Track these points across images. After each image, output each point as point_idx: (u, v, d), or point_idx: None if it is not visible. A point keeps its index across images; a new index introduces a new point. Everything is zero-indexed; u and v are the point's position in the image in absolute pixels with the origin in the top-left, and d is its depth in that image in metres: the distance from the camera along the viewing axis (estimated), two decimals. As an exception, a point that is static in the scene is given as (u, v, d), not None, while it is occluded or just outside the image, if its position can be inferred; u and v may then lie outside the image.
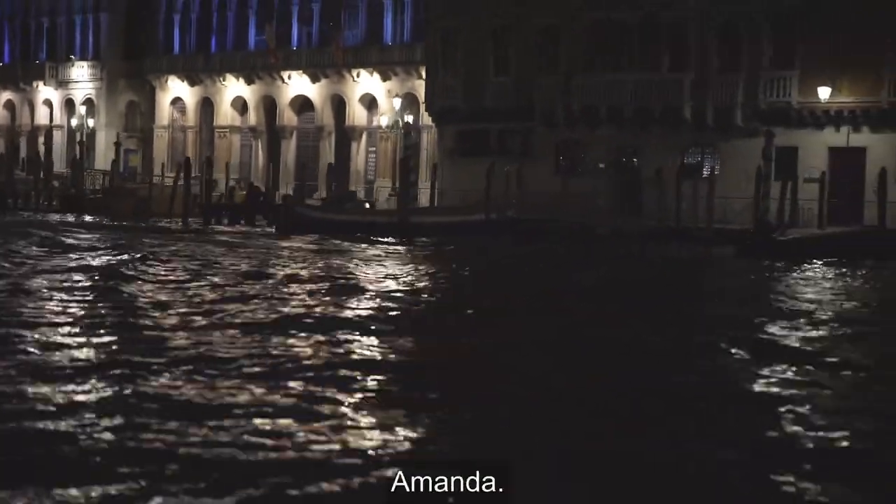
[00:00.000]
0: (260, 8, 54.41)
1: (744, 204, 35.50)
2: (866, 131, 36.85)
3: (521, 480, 6.51)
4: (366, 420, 8.92)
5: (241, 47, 55.36)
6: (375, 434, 8.49)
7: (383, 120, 48.27)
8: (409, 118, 46.83)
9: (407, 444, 8.30)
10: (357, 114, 51.70)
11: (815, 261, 29.43)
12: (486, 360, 12.28)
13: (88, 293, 16.00)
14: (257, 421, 8.64)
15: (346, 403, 9.37)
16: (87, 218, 41.38)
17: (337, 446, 8.02)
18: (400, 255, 28.55)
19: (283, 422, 8.60)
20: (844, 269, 27.62)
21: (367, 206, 41.54)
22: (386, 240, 33.19)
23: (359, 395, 9.75)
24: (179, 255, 24.07)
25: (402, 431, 8.64)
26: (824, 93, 36.13)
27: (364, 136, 51.98)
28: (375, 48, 50.62)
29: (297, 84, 53.30)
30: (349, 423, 8.80)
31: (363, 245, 30.83)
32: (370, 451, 7.91)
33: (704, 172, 39.34)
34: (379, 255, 27.65)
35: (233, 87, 55.52)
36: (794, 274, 26.46)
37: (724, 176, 38.39)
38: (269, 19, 52.97)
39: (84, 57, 59.75)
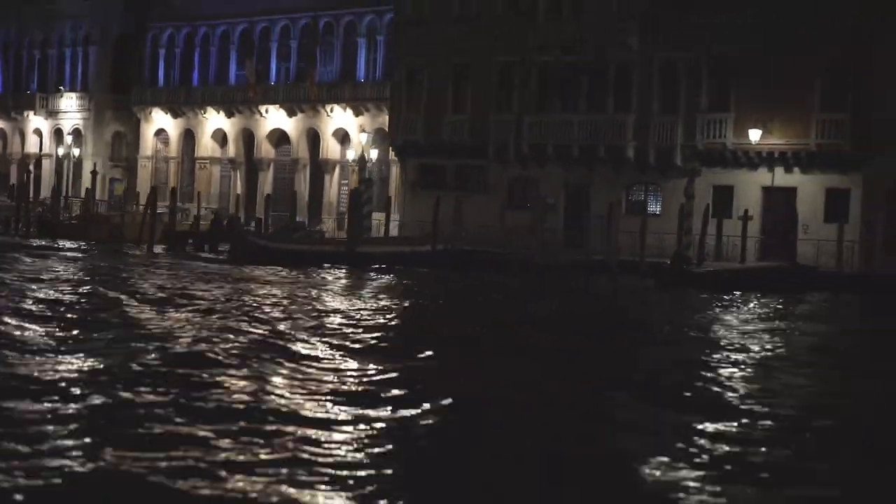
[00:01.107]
0: (241, 44, 57.04)
1: (694, 240, 37.63)
2: (797, 172, 39.12)
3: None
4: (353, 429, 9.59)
5: (222, 82, 57.98)
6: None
7: (349, 154, 50.75)
8: (376, 152, 49.29)
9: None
10: (331, 147, 54.16)
11: (734, 292, 31.57)
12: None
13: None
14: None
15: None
16: (67, 243, 43.72)
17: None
18: (339, 284, 30.75)
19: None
20: (753, 301, 29.70)
21: (318, 235, 43.71)
22: (332, 268, 35.43)
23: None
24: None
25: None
26: (755, 135, 38.44)
27: (337, 169, 54.39)
28: (349, 85, 53.13)
29: (274, 118, 55.84)
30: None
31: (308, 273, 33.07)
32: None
33: (648, 209, 41.73)
34: (321, 284, 29.83)
35: (213, 120, 58.10)
36: (705, 303, 28.55)
37: (665, 213, 40.74)
38: (249, 55, 55.54)
39: (73, 88, 62.50)
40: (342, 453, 8.82)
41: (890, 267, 34.85)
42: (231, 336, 15.02)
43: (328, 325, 17.80)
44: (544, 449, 9.54)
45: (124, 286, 22.86)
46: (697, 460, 9.28)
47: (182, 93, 58.68)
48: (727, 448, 9.78)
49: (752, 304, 28.10)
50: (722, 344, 18.61)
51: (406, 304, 24.40)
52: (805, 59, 38.10)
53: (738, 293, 31.30)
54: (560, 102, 43.38)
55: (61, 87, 62.51)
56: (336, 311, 20.50)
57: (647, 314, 26.21)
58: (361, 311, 20.89)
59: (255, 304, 20.96)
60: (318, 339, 15.87)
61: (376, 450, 8.94)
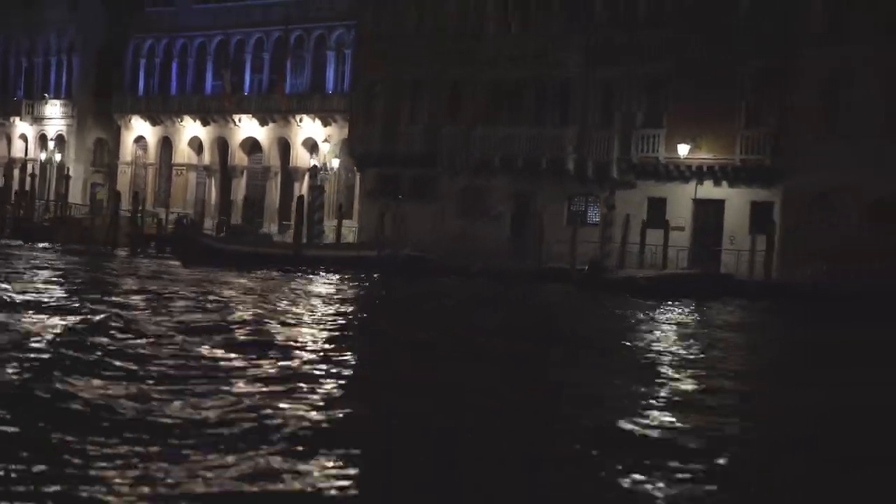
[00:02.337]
0: (217, 56, 59.93)
1: (616, 248, 40.36)
2: (725, 185, 41.73)
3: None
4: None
5: (198, 91, 60.87)
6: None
7: (314, 162, 53.53)
8: (337, 161, 52.12)
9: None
10: (300, 156, 56.94)
11: (647, 298, 34.10)
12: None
13: None
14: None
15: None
16: (40, 245, 46.67)
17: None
18: (272, 287, 33.36)
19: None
20: (661, 305, 32.15)
21: (266, 239, 46.37)
22: (278, 271, 38.11)
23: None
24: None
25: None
26: (683, 150, 41.11)
27: (306, 177, 57.16)
28: (318, 96, 55.90)
29: (247, 127, 58.66)
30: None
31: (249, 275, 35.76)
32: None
33: (589, 220, 44.40)
34: (256, 286, 32.47)
35: (190, 128, 60.97)
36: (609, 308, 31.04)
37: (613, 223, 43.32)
38: (224, 66, 58.43)
39: (57, 95, 65.46)
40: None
41: (807, 276, 37.33)
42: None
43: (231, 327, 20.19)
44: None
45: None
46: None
47: (160, 101, 61.56)
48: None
49: (662, 310, 30.39)
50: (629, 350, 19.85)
51: (341, 308, 26.19)
52: (731, 78, 40.76)
53: (656, 299, 33.83)
54: (506, 116, 46.09)
55: (46, 95, 65.49)
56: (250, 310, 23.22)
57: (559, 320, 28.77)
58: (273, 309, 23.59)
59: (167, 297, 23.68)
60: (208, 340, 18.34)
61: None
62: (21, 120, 66.67)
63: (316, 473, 8.39)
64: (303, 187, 57.14)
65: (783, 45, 39.61)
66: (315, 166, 49.77)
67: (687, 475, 9.24)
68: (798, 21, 39.36)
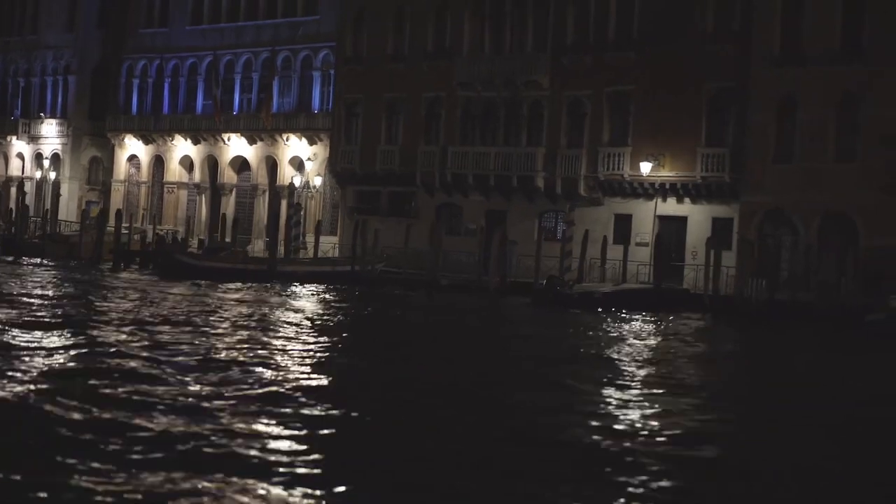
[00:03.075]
0: (207, 76, 61.95)
1: (576, 263, 42.05)
2: (687, 202, 43.46)
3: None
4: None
5: (189, 111, 62.91)
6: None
7: (296, 180, 55.39)
8: (320, 179, 54.03)
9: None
10: (287, 174, 58.77)
11: (600, 310, 35.83)
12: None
13: None
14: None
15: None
16: (27, 260, 48.61)
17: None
18: (246, 300, 35.22)
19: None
20: (611, 317, 33.87)
21: (242, 254, 48.10)
22: (251, 284, 40.02)
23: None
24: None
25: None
26: (646, 167, 42.87)
27: (293, 195, 58.99)
28: (303, 115, 57.82)
29: (236, 145, 60.64)
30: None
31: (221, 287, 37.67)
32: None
33: (558, 236, 46.05)
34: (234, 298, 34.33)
35: (181, 147, 63.00)
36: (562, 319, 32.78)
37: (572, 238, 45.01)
38: (215, 85, 60.45)
39: (53, 115, 67.65)
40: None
41: (760, 290, 38.93)
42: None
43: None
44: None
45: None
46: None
47: (152, 121, 63.61)
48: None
49: (610, 322, 32.08)
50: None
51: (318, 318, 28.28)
52: (691, 98, 42.56)
53: (613, 312, 35.58)
54: (479, 135, 47.94)
55: (42, 114, 67.67)
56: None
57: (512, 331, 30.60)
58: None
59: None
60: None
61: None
62: (18, 139, 68.85)
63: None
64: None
65: (741, 67, 41.35)
66: (292, 184, 51.66)
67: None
68: (754, 44, 41.07)
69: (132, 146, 65.13)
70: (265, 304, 30.68)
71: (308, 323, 25.71)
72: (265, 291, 36.88)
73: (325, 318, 27.97)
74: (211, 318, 24.44)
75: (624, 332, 29.12)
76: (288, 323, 25.18)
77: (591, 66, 45.10)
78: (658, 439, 13.02)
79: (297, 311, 29.53)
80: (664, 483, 10.83)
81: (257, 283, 40.73)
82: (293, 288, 39.55)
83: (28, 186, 68.25)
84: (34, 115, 68.25)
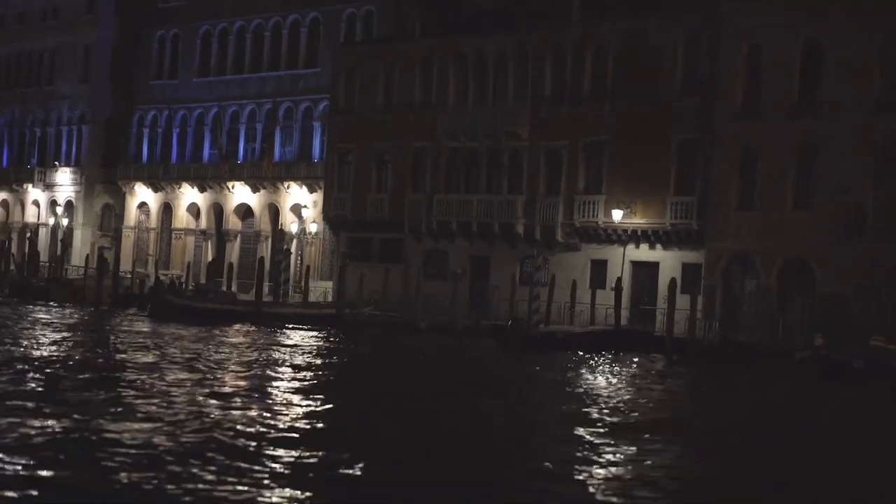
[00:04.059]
0: (214, 126, 65.08)
1: (544, 306, 44.35)
2: (659, 248, 45.77)
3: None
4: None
5: (196, 160, 66.03)
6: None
7: (293, 227, 58.15)
8: (315, 226, 56.77)
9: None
10: (288, 221, 61.66)
11: (565, 352, 38.13)
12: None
13: None
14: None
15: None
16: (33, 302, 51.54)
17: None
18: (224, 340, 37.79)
19: None
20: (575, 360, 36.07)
21: (230, 296, 50.76)
22: (237, 326, 42.62)
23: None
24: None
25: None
26: (617, 215, 45.26)
27: (295, 241, 61.86)
28: (304, 164, 60.72)
29: (240, 193, 63.59)
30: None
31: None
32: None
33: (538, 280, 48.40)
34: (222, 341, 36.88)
35: (188, 194, 66.03)
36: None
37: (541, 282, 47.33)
38: (220, 135, 63.53)
39: (68, 163, 70.98)
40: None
41: (721, 332, 41.11)
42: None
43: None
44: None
45: None
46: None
47: (161, 169, 66.73)
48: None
49: (563, 363, 34.33)
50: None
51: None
52: (661, 148, 45.00)
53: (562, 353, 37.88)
54: (464, 183, 50.57)
55: (57, 163, 71.00)
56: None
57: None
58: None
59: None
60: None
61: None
62: (34, 186, 72.18)
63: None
64: (292, 250, 61.88)
65: (707, 120, 43.77)
66: (281, 230, 54.40)
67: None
68: (718, 98, 43.50)
69: (142, 194, 68.23)
70: (223, 345, 33.19)
71: (245, 365, 28.10)
72: (238, 334, 39.46)
73: (268, 360, 30.29)
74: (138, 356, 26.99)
75: (567, 372, 31.43)
76: (233, 364, 27.70)
77: (568, 117, 47.70)
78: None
79: (253, 350, 32.08)
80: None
81: (245, 324, 43.31)
82: (274, 329, 42.07)
83: (43, 232, 71.46)
84: (49, 163, 71.56)
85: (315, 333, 41.40)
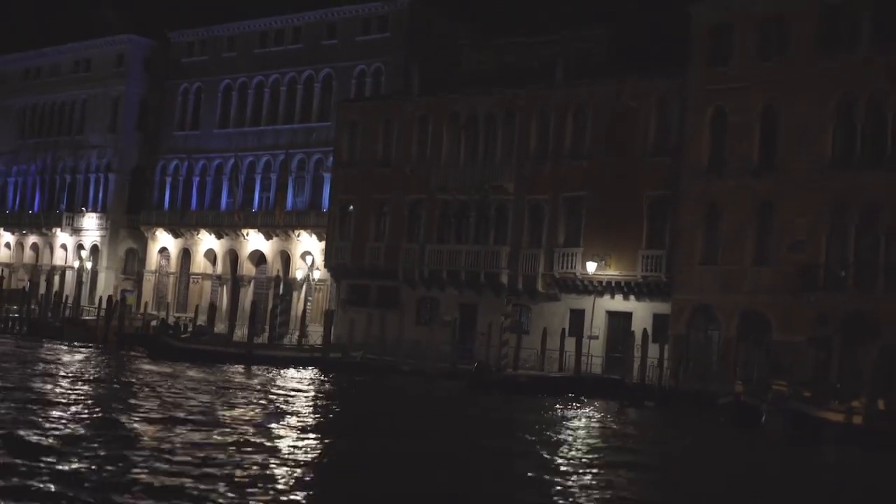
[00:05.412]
0: (231, 176, 69.32)
1: (544, 353, 47.72)
2: (632, 299, 49.00)
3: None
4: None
5: (214, 207, 70.27)
6: None
7: (298, 274, 62.00)
8: (318, 273, 60.61)
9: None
10: (298, 267, 65.59)
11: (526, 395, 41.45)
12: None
13: None
14: None
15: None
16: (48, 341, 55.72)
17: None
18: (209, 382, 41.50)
19: None
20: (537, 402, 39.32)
21: (224, 338, 54.51)
22: (230, 367, 46.37)
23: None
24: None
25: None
26: (591, 267, 48.61)
27: (304, 287, 65.73)
28: (314, 213, 64.67)
29: (254, 240, 67.65)
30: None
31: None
32: None
33: (523, 327, 51.86)
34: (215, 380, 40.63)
35: (206, 241, 70.22)
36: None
37: (533, 331, 50.77)
38: (235, 185, 67.75)
39: (95, 209, 75.56)
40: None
41: (682, 381, 44.19)
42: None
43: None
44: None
45: None
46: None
47: (181, 216, 71.03)
48: None
49: (518, 404, 37.72)
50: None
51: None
52: (634, 204, 48.38)
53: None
54: (454, 234, 54.21)
55: (84, 208, 75.63)
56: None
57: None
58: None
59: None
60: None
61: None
62: (62, 231, 76.80)
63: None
64: (301, 296, 65.80)
65: (675, 178, 47.11)
66: (279, 276, 58.26)
67: None
68: (685, 158, 46.86)
69: (163, 239, 72.54)
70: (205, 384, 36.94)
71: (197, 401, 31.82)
72: (225, 373, 43.24)
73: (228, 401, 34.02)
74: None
75: (513, 412, 34.84)
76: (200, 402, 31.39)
77: (550, 173, 51.28)
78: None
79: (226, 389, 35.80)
80: None
81: (235, 364, 47.06)
82: (267, 369, 45.83)
83: (69, 275, 75.97)
84: (77, 209, 76.19)
85: (298, 375, 45.04)
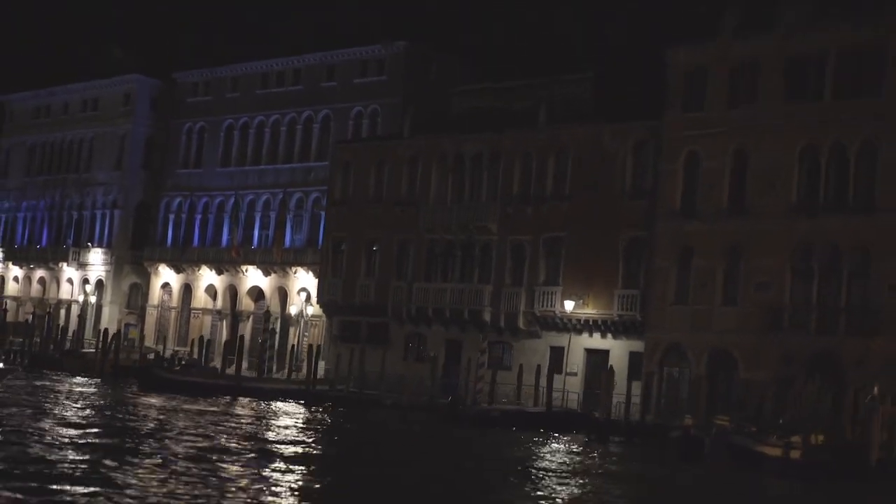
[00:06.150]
0: (232, 214, 71.74)
1: (520, 389, 49.76)
2: (609, 337, 50.96)
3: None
4: None
5: (215, 244, 72.71)
6: None
7: (292, 309, 64.21)
8: (311, 309, 62.84)
9: None
10: (295, 303, 67.80)
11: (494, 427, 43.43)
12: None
13: None
14: None
15: None
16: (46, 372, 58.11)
17: None
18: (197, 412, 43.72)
19: None
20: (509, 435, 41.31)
21: (212, 370, 56.77)
22: (217, 398, 48.58)
23: None
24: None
25: None
26: (569, 305, 50.63)
27: (302, 322, 67.94)
28: (311, 250, 66.96)
29: (253, 276, 69.99)
30: None
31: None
32: None
33: (504, 364, 53.87)
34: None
35: (207, 277, 72.61)
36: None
37: (514, 367, 52.73)
38: (235, 222, 70.17)
39: (100, 244, 78.15)
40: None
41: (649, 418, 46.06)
42: None
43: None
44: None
45: None
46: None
47: (183, 252, 73.47)
48: None
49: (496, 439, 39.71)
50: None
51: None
52: (611, 245, 50.47)
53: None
54: (441, 273, 56.38)
55: (90, 244, 78.24)
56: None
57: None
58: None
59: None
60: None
61: None
62: (68, 265, 79.39)
63: None
64: (297, 331, 67.98)
65: (650, 220, 49.17)
66: (268, 311, 60.51)
67: None
68: (659, 201, 48.93)
69: (165, 275, 74.98)
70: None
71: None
72: (214, 404, 45.43)
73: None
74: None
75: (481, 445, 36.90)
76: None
77: (532, 215, 53.44)
78: None
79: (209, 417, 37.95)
80: None
81: (223, 396, 49.27)
82: (254, 400, 48.02)
83: (75, 309, 78.52)
84: (83, 244, 78.80)
85: (282, 407, 47.24)
